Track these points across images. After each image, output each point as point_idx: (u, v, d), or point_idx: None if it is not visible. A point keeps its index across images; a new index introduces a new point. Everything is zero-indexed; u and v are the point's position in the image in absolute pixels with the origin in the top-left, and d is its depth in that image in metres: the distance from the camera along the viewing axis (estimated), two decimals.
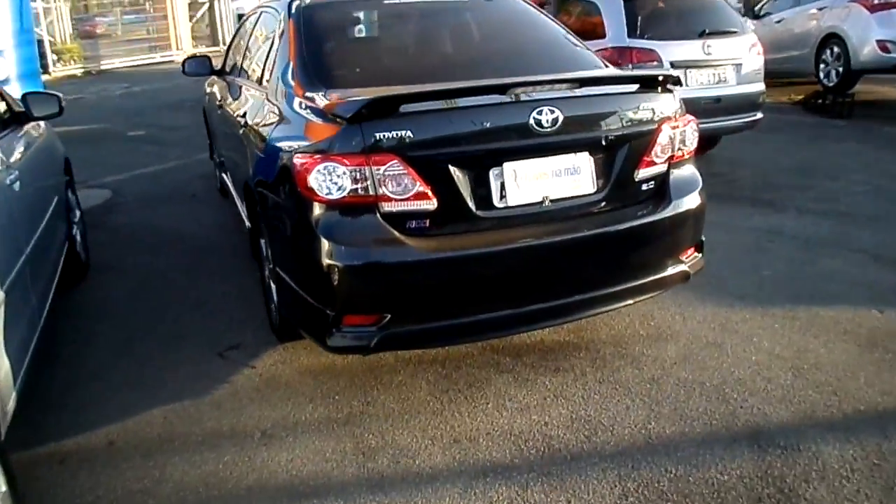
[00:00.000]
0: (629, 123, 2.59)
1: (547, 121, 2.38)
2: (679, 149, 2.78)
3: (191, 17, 20.77)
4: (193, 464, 2.44)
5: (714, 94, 5.45)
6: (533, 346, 3.12)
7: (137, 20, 21.96)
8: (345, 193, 2.28)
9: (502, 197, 2.43)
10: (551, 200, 2.49)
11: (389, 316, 2.36)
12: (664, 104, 2.69)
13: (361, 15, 3.19)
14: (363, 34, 3.18)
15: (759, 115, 5.76)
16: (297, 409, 2.73)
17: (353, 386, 2.86)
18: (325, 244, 2.31)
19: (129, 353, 3.21)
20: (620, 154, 2.61)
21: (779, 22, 9.26)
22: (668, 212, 2.70)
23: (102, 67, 17.34)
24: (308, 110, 2.53)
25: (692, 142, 2.85)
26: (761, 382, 2.81)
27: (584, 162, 2.54)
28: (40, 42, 15.94)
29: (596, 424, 2.55)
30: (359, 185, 2.28)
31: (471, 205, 2.39)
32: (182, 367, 3.07)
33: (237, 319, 3.48)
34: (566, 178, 2.51)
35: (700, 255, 2.96)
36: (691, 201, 2.80)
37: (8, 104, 3.22)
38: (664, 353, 3.04)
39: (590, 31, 5.66)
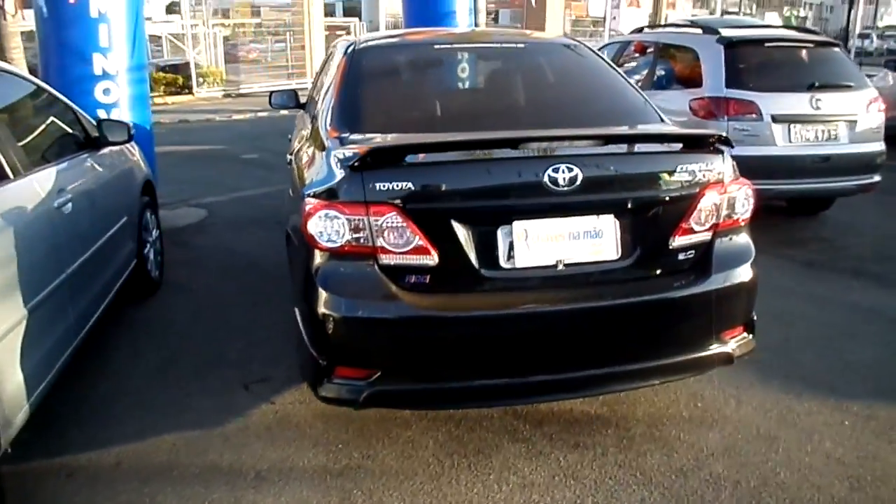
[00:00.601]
0: (663, 186, 2.37)
1: (564, 179, 2.22)
2: (727, 216, 2.51)
3: (326, 49, 21.97)
4: (183, 497, 2.45)
5: (822, 153, 4.95)
6: (558, 414, 2.90)
7: (284, 49, 23.54)
8: (343, 242, 2.23)
9: (510, 257, 2.28)
10: (566, 265, 2.31)
11: (380, 372, 2.26)
12: (709, 166, 2.44)
13: (410, 59, 3.17)
14: (408, 78, 3.15)
15: (877, 178, 5.17)
16: (298, 452, 2.69)
17: (361, 436, 2.78)
18: (321, 292, 2.26)
19: (163, 375, 3.31)
20: (651, 219, 2.38)
21: None
22: (708, 285, 2.43)
23: (241, 91, 18.61)
24: (331, 154, 2.52)
25: (745, 209, 2.56)
26: (808, 490, 2.44)
27: (607, 225, 2.34)
28: (187, 64, 17.49)
29: None
30: (357, 235, 2.22)
31: (475, 263, 2.26)
32: (207, 395, 3.12)
33: (275, 352, 3.51)
34: (585, 241, 2.32)
35: (750, 336, 2.64)
36: (739, 275, 2.51)
37: (85, 130, 3.47)
38: (703, 441, 2.73)
39: (688, 79, 5.37)
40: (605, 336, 2.35)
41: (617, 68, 3.24)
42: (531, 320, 2.28)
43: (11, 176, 2.56)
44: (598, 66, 3.22)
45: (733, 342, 2.56)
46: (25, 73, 3.17)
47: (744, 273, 2.53)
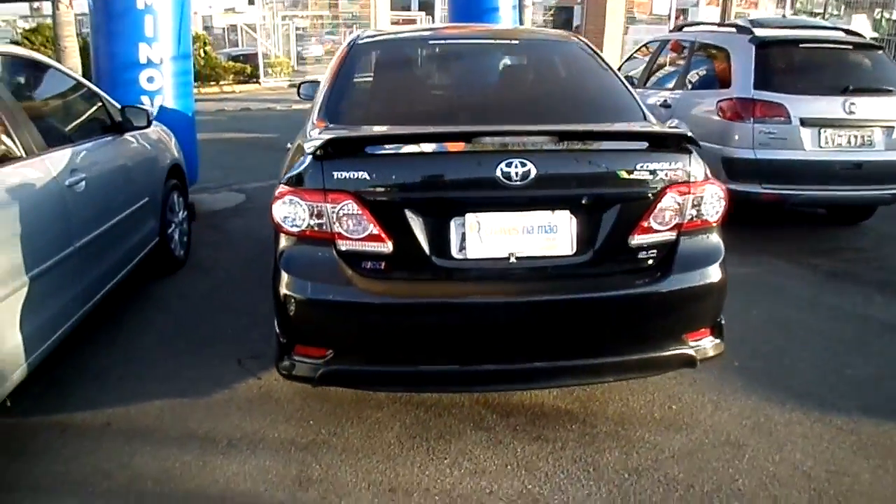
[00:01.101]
0: (622, 184, 2.37)
1: (516, 174, 2.26)
2: (694, 217, 2.49)
3: None
4: (157, 458, 2.63)
5: (854, 159, 4.75)
6: (528, 406, 2.94)
7: None
8: (304, 227, 2.35)
9: (462, 248, 2.34)
10: (519, 258, 2.35)
11: (334, 352, 2.37)
12: (673, 166, 2.42)
13: (405, 53, 3.25)
14: (399, 73, 3.24)
15: None
16: (272, 425, 2.83)
17: (333, 414, 2.90)
18: (283, 273, 2.39)
19: (168, 346, 3.53)
20: (609, 217, 2.39)
21: None
22: (669, 285, 2.42)
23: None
24: (305, 144, 2.64)
25: (714, 210, 2.53)
26: (764, 500, 2.41)
27: (562, 221, 2.37)
28: (253, 55, 18.16)
29: None
30: (317, 221, 2.33)
31: (428, 253, 2.34)
32: (202, 367, 3.31)
33: (273, 331, 3.68)
34: (539, 235, 2.36)
35: (717, 340, 2.61)
36: (703, 277, 2.48)
37: (110, 115, 3.72)
38: (667, 444, 2.72)
39: (720, 79, 5.24)
40: (557, 330, 2.38)
41: (611, 66, 3.22)
42: (481, 310, 2.33)
43: (24, 155, 2.80)
44: (592, 63, 3.22)
45: (697, 344, 2.54)
46: (50, 61, 3.42)
47: (709, 275, 2.50)
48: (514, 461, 2.60)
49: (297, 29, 22.13)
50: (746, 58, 4.90)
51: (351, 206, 2.29)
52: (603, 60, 3.24)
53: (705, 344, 2.57)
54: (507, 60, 3.33)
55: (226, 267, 4.70)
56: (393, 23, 20.35)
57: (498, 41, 3.42)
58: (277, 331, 2.49)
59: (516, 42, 3.42)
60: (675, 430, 2.81)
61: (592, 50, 3.32)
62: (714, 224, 2.57)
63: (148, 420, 2.90)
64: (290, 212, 2.35)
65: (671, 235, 2.47)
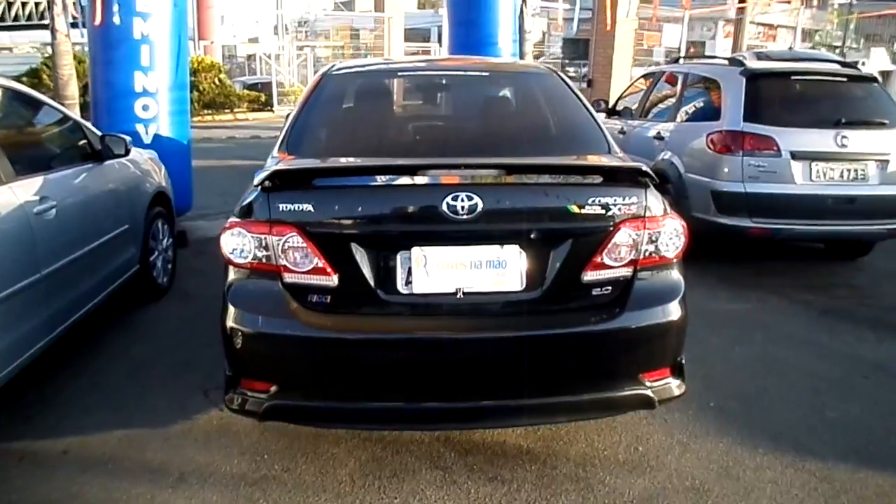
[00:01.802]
0: (573, 219, 2.32)
1: (463, 208, 2.23)
2: (651, 253, 2.43)
3: None
4: (107, 489, 2.60)
5: (847, 193, 4.66)
6: (489, 445, 2.87)
7: None
8: (250, 259, 2.33)
9: (408, 283, 2.30)
10: (466, 293, 2.31)
11: (278, 387, 2.33)
12: (628, 200, 2.37)
13: (373, 85, 3.25)
14: (364, 104, 3.22)
15: None
16: (224, 459, 2.79)
17: (289, 448, 2.85)
18: (229, 305, 2.37)
19: (138, 374, 3.51)
20: (560, 252, 2.34)
21: None
22: (623, 323, 2.36)
23: None
24: (257, 175, 2.62)
25: (673, 246, 2.47)
26: None
27: (511, 256, 2.33)
28: (269, 83, 18.47)
29: None
30: (263, 253, 2.31)
31: (373, 287, 2.30)
32: (169, 396, 3.28)
33: None
34: (488, 271, 2.31)
35: (677, 380, 2.53)
36: (661, 314, 2.42)
37: (90, 144, 3.76)
38: (626, 487, 2.63)
39: (711, 111, 5.19)
40: (505, 368, 2.33)
41: (581, 97, 3.19)
42: (426, 347, 2.29)
43: None
44: (563, 95, 3.19)
45: (655, 384, 2.46)
46: (27, 90, 3.47)
47: (668, 312, 2.43)
48: (466, 502, 2.53)
49: (317, 59, 22.53)
50: (736, 90, 4.85)
51: (296, 239, 2.27)
52: (574, 92, 3.21)
53: (664, 384, 2.49)
54: (475, 93, 3.31)
55: (208, 296, 4.66)
56: (407, 53, 20.59)
57: (468, 73, 3.41)
58: (225, 361, 2.46)
59: (486, 74, 3.41)
60: (639, 473, 2.72)
61: (565, 82, 3.30)
62: (673, 260, 2.51)
63: (105, 449, 2.87)
64: (238, 244, 2.34)
65: (626, 272, 2.41)
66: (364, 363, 2.30)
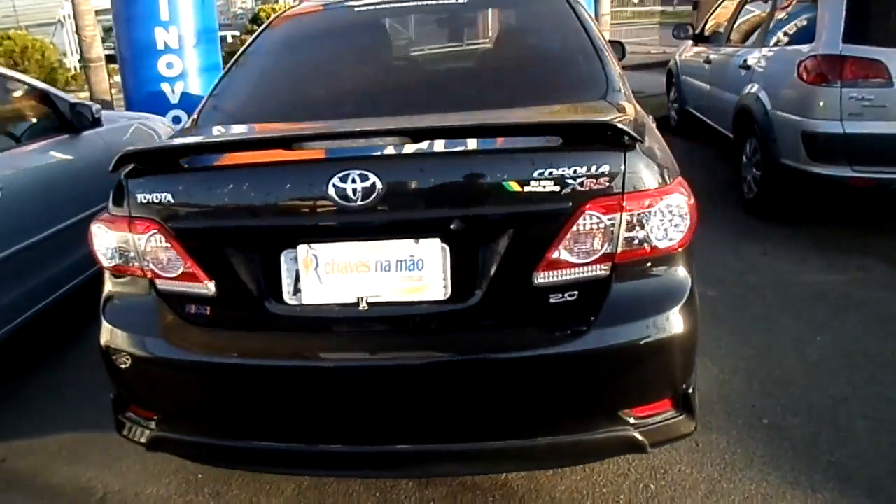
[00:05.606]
0: (514, 200, 1.66)
1: (355, 191, 1.64)
2: (635, 243, 1.72)
3: None
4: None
5: None
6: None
7: None
8: (117, 261, 1.88)
9: (296, 291, 1.76)
10: (372, 304, 1.73)
11: (158, 416, 1.90)
12: (597, 171, 1.66)
13: (319, 28, 2.64)
14: (308, 55, 2.60)
15: None
16: (153, 480, 2.45)
17: (225, 472, 2.45)
18: (101, 317, 1.94)
19: (95, 383, 3.21)
20: (498, 247, 1.70)
21: None
22: (591, 341, 1.69)
23: None
24: None
25: (669, 232, 1.74)
26: None
27: (430, 253, 1.71)
28: None
29: None
30: (126, 255, 1.85)
31: (257, 296, 1.78)
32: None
33: None
34: (398, 273, 1.72)
35: (682, 415, 1.84)
36: (651, 327, 1.72)
37: (62, 116, 3.43)
38: None
39: (802, 33, 4.15)
40: (424, 405, 1.75)
41: (590, 22, 2.43)
42: (318, 375, 1.75)
43: None
44: (560, 20, 2.44)
45: (645, 423, 1.79)
46: None
47: (661, 325, 1.73)
48: None
49: None
50: (835, 2, 3.78)
51: (158, 237, 1.79)
52: (578, 16, 2.45)
53: (661, 421, 1.81)
54: (444, 28, 2.62)
55: None
56: None
57: (444, 2, 2.70)
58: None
59: (464, 1, 2.68)
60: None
61: (569, 2, 2.53)
62: (674, 251, 1.78)
63: (43, 458, 2.64)
64: (101, 242, 1.90)
65: (600, 270, 1.73)
66: (244, 394, 1.80)
